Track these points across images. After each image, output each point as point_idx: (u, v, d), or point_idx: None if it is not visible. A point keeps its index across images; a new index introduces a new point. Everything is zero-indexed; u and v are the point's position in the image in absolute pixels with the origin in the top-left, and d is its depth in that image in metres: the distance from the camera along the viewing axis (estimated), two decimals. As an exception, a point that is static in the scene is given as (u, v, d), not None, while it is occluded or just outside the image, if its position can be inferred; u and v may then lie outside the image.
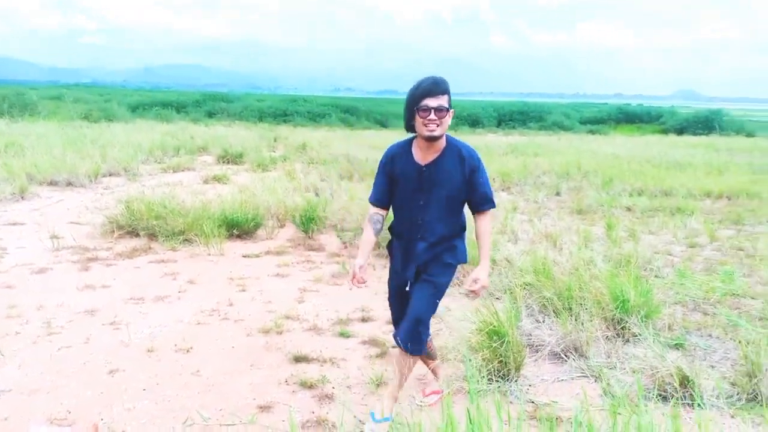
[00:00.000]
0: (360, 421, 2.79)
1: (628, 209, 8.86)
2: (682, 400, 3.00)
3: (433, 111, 2.59)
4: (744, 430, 2.80)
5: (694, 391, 3.00)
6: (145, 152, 13.35)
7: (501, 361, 3.24)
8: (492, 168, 12.00)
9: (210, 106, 36.39)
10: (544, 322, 3.98)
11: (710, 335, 4.00)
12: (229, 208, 6.68)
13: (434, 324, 4.14)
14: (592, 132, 31.13)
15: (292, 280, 5.15)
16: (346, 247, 6.21)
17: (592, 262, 5.19)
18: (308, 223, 6.50)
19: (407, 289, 2.84)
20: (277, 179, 10.04)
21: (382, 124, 32.59)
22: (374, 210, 2.86)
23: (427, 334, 2.81)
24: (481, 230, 2.78)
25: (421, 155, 2.73)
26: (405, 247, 2.81)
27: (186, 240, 6.16)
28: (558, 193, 10.29)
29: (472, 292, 2.70)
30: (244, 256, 5.89)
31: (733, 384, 3.18)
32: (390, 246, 2.98)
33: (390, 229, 2.92)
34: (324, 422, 2.81)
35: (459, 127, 31.38)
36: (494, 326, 3.33)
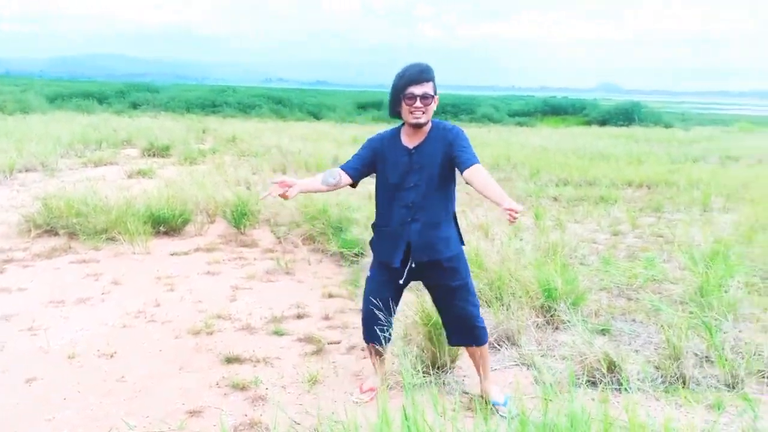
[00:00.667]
0: (295, 421, 2.73)
1: (555, 199, 9.14)
2: (610, 384, 3.10)
3: (418, 98, 2.67)
4: (668, 412, 2.92)
5: (620, 375, 3.11)
6: (64, 146, 12.62)
7: (437, 354, 3.26)
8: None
9: (134, 96, 34.84)
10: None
11: (634, 320, 4.17)
12: (155, 203, 6.40)
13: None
14: (520, 124, 31.94)
15: (224, 277, 5.00)
16: (280, 243, 6.09)
17: (521, 251, 5.31)
18: (240, 218, 6.33)
19: (401, 282, 2.89)
20: (207, 173, 9.72)
21: (316, 115, 32.21)
22: (340, 173, 2.88)
23: (481, 319, 2.97)
24: (483, 179, 2.57)
25: (409, 139, 2.82)
26: (394, 233, 2.83)
27: (109, 238, 5.86)
28: (489, 184, 10.49)
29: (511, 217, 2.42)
30: (171, 254, 5.66)
31: (657, 367, 3.33)
32: (372, 242, 2.99)
33: (373, 225, 2.98)
34: (257, 425, 2.73)
35: (394, 119, 31.43)
36: (430, 319, 3.35)
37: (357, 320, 4.08)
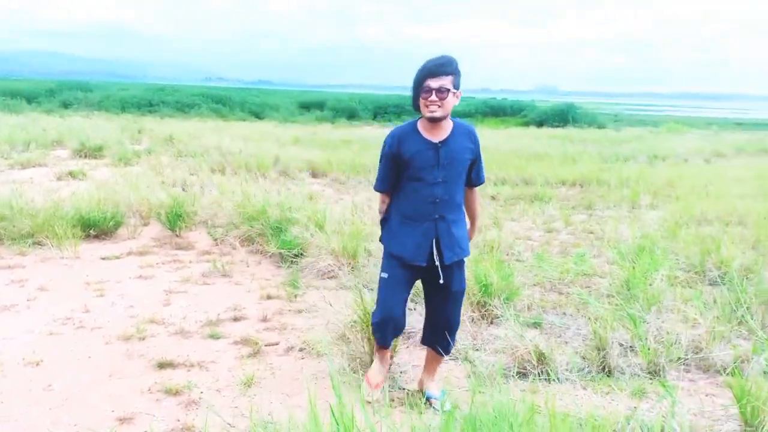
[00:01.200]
0: (229, 424, 2.69)
1: (493, 198, 9.35)
2: (539, 375, 3.21)
3: (434, 92, 2.63)
4: (594, 401, 3.05)
5: (549, 366, 3.22)
6: (-13, 147, 11.98)
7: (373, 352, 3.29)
8: (369, 160, 12.14)
9: (66, 95, 33.37)
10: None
11: (564, 313, 4.32)
12: (86, 206, 6.16)
13: (310, 319, 4.11)
14: (462, 124, 32.49)
15: (157, 281, 4.86)
16: (217, 245, 5.97)
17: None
18: (175, 220, 6.17)
19: (440, 281, 2.82)
20: (142, 174, 9.44)
21: (258, 115, 31.75)
22: (382, 197, 2.94)
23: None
24: (475, 201, 3.02)
25: (432, 134, 2.75)
26: (419, 229, 2.78)
27: (36, 243, 5.61)
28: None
29: None
30: (102, 259, 5.46)
31: (584, 358, 3.47)
32: (389, 231, 2.91)
33: (383, 221, 2.97)
34: (190, 429, 2.68)
35: (337, 119, 31.40)
36: (367, 317, 3.38)
37: (296, 321, 4.08)
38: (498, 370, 2.85)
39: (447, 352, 3.01)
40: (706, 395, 3.16)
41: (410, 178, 2.77)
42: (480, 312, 4.09)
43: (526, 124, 33.64)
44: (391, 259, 2.88)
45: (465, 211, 2.94)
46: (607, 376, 3.32)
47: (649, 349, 3.43)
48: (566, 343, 3.75)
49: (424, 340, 3.08)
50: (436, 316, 2.98)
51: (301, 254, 5.30)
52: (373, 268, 4.91)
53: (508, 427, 1.96)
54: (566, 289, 4.81)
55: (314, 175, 10.99)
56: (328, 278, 4.92)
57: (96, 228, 6.01)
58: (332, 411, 1.76)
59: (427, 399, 2.99)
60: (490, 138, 20.74)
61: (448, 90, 2.63)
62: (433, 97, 2.63)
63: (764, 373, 3.15)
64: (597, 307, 4.01)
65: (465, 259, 2.95)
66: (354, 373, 3.19)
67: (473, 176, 2.90)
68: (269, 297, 4.54)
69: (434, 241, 2.77)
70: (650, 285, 4.46)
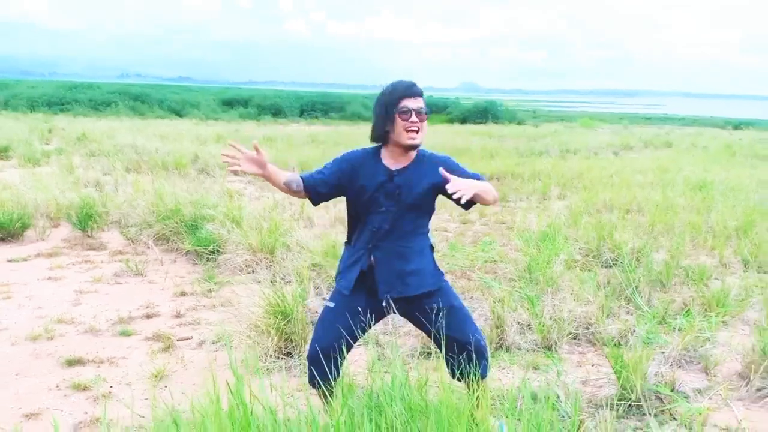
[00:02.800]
0: (139, 415, 2.73)
1: (415, 192, 9.60)
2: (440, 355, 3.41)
3: (413, 113, 2.37)
4: (493, 374, 3.28)
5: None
6: None
7: (288, 339, 3.40)
8: (293, 157, 12.15)
9: (-34, 93, 31.25)
10: (326, 298, 4.20)
11: (472, 297, 4.57)
12: (-12, 208, 5.90)
13: (225, 313, 4.15)
14: (389, 122, 32.88)
15: (67, 282, 4.74)
16: (131, 244, 5.86)
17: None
18: (86, 221, 6.00)
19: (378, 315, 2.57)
20: (52, 174, 9.06)
21: (178, 113, 30.85)
22: (296, 180, 2.50)
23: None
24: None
25: (392, 160, 2.46)
26: (353, 257, 2.52)
27: (-67, 247, 5.33)
28: (353, 180, 10.77)
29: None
30: (9, 261, 5.26)
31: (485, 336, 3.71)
32: (340, 261, 2.63)
33: (346, 245, 2.63)
34: (99, 421, 2.70)
35: (261, 116, 30.99)
36: (281, 307, 3.48)
37: (210, 315, 4.11)
38: (394, 352, 3.00)
39: (483, 374, 2.52)
40: (593, 365, 3.47)
41: (360, 205, 2.49)
42: (392, 299, 4.27)
43: (451, 121, 34.39)
44: (335, 289, 2.65)
45: (428, 242, 2.64)
46: (506, 351, 3.58)
47: (543, 326, 3.72)
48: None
49: (453, 375, 2.57)
50: (445, 342, 2.48)
51: (218, 251, 5.31)
52: (289, 263, 5.00)
53: (400, 398, 2.12)
54: (475, 276, 5.08)
55: (235, 173, 10.87)
56: (245, 273, 4.96)
57: (2, 230, 5.77)
58: (229, 388, 1.85)
59: None
60: (415, 134, 21.14)
61: (428, 111, 2.45)
62: (414, 119, 2.36)
63: (645, 343, 3.49)
64: (499, 290, 4.28)
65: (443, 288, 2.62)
66: (276, 360, 3.28)
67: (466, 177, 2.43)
68: (183, 294, 4.54)
69: (364, 272, 2.50)
70: (550, 269, 4.79)
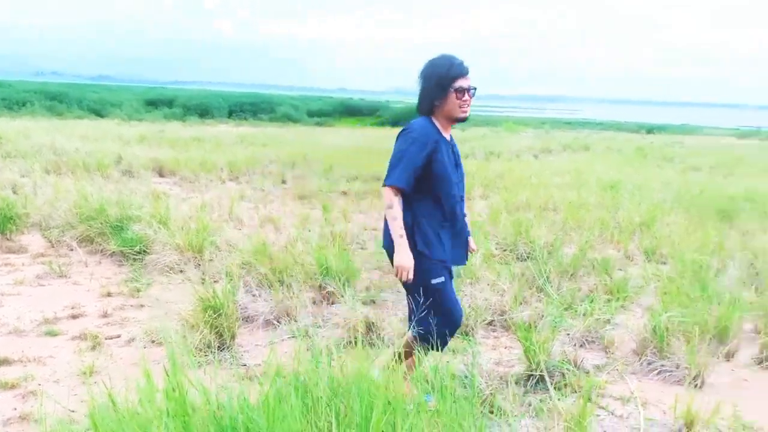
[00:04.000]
0: (69, 410, 2.76)
1: (345, 193, 9.78)
2: (370, 343, 3.60)
3: (467, 92, 2.60)
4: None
5: (376, 335, 3.63)
6: None
7: (218, 333, 3.49)
8: (221, 158, 12.04)
9: None
10: (260, 295, 4.32)
11: (398, 291, 4.79)
12: None
13: (153, 311, 4.18)
14: (319, 124, 32.92)
15: (-14, 285, 4.61)
16: (53, 246, 5.72)
17: (307, 240, 5.73)
18: (5, 224, 5.80)
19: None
20: (-38, 177, 8.61)
21: (98, 113, 29.65)
22: (398, 198, 2.57)
23: None
24: None
25: (446, 133, 2.71)
26: (456, 231, 2.78)
27: None
28: (284, 181, 10.81)
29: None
30: None
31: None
32: (426, 238, 2.67)
33: (430, 218, 2.67)
34: (28, 417, 2.71)
35: (187, 117, 30.24)
36: (211, 303, 3.57)
37: (138, 314, 4.13)
38: (334, 342, 3.17)
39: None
40: (506, 348, 3.77)
41: (442, 179, 2.64)
42: (322, 294, 4.43)
43: (382, 123, 34.83)
44: (436, 264, 2.71)
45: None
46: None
47: (464, 314, 3.98)
48: (396, 315, 4.21)
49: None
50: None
51: (145, 251, 5.29)
52: (219, 262, 5.05)
53: (322, 382, 2.28)
54: (402, 271, 5.31)
55: (161, 174, 10.71)
56: (173, 273, 4.97)
57: None
58: (165, 372, 1.96)
59: None
60: (345, 137, 21.37)
61: (476, 89, 2.65)
62: (466, 97, 2.60)
63: (552, 326, 3.81)
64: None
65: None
66: (206, 354, 3.36)
67: None
68: (110, 294, 4.52)
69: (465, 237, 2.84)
70: (470, 262, 5.08)
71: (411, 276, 2.58)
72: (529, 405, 2.97)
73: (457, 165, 2.77)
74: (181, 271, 5.00)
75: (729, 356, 3.70)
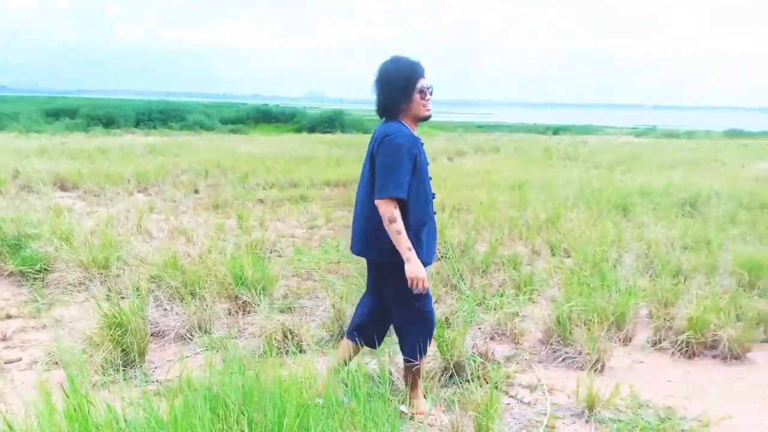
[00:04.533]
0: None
1: (261, 201, 9.64)
2: (286, 350, 3.59)
3: (427, 91, 2.69)
4: (329, 362, 3.52)
5: (292, 342, 3.63)
6: None
7: (125, 351, 3.36)
8: (129, 169, 11.56)
9: None
10: (171, 309, 4.19)
11: (317, 296, 4.81)
12: None
13: (56, 332, 3.96)
14: (233, 131, 32.17)
15: None
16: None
17: (222, 251, 5.61)
18: None
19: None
20: None
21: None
22: (397, 211, 2.56)
23: None
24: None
25: (415, 133, 2.76)
26: (433, 229, 2.82)
27: None
28: (196, 191, 10.52)
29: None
30: None
31: (326, 329, 3.95)
32: (417, 241, 2.70)
33: (415, 220, 2.69)
34: None
35: (91, 127, 28.71)
36: (117, 319, 3.43)
37: (40, 336, 3.91)
38: (250, 351, 3.14)
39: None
40: (422, 346, 3.85)
41: (424, 181, 2.72)
42: (237, 304, 4.35)
43: (299, 130, 34.57)
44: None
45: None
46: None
47: (380, 316, 4.04)
48: (314, 320, 4.21)
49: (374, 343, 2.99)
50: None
51: (46, 270, 5.00)
52: (126, 277, 4.85)
53: (236, 387, 2.27)
54: (320, 277, 5.32)
55: (64, 188, 10.14)
56: (77, 291, 4.73)
57: None
58: (63, 389, 1.88)
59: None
60: (261, 144, 21.03)
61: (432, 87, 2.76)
62: (429, 96, 2.72)
63: (465, 322, 3.94)
64: (340, 286, 4.56)
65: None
66: (114, 372, 3.22)
67: None
68: (9, 317, 4.24)
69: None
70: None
71: (426, 285, 2.63)
72: (443, 398, 3.07)
73: (428, 162, 2.87)
74: (86, 289, 4.77)
75: (626, 340, 3.98)
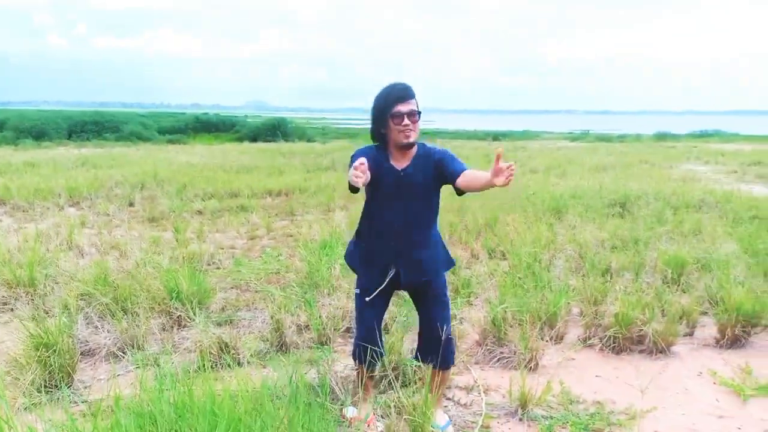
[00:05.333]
0: None
1: (199, 212, 9.45)
2: (223, 365, 3.54)
3: (406, 116, 2.58)
4: (272, 374, 3.49)
5: (228, 355, 3.57)
6: None
7: (51, 372, 3.23)
8: (59, 183, 11.11)
9: None
10: (102, 326, 4.05)
11: (256, 308, 4.75)
12: None
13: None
14: (171, 141, 31.37)
15: None
16: None
17: (158, 264, 5.46)
18: None
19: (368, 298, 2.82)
20: None
21: None
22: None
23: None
24: (470, 176, 2.57)
25: (397, 161, 2.70)
26: (380, 254, 2.78)
27: None
28: (131, 204, 10.20)
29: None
30: None
31: (265, 341, 3.91)
32: (359, 248, 2.89)
33: (365, 230, 2.85)
34: None
35: (20, 140, 27.40)
36: (44, 340, 3.29)
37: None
38: (184, 366, 3.07)
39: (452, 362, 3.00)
40: (362, 353, 3.87)
41: (375, 199, 2.76)
42: (172, 319, 4.25)
43: (240, 139, 34.06)
44: (364, 279, 2.89)
45: (436, 231, 2.91)
46: (285, 353, 3.82)
47: (321, 325, 4.04)
48: (252, 332, 4.16)
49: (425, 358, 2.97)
50: (429, 327, 2.92)
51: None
52: (55, 295, 4.66)
53: (168, 402, 2.23)
54: (261, 288, 5.25)
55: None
56: (1, 312, 4.51)
57: None
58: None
59: (433, 428, 2.85)
60: (200, 154, 20.59)
61: (420, 112, 2.65)
62: (407, 122, 2.59)
63: (404, 326, 3.98)
64: (280, 297, 4.52)
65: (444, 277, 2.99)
66: (40, 393, 3.09)
67: (452, 171, 2.66)
68: None
69: (393, 264, 2.78)
70: (329, 273, 5.17)
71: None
72: (380, 404, 3.09)
73: (404, 194, 2.71)
74: (11, 309, 4.56)
75: (558, 339, 4.12)
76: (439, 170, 2.70)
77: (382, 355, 2.88)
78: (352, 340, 4.09)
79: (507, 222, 7.52)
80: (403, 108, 2.60)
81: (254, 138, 34.10)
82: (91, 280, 4.62)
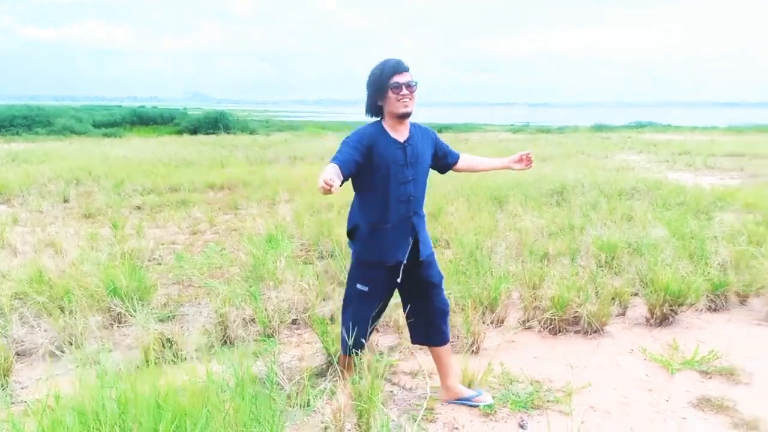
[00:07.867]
0: None
1: (138, 208, 9.20)
2: (167, 360, 3.49)
3: (404, 86, 2.67)
4: (216, 369, 3.47)
5: (171, 350, 3.53)
6: None
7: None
8: (-12, 181, 10.57)
9: None
10: (39, 326, 3.92)
11: (200, 303, 4.70)
12: None
13: None
14: (107, 135, 30.23)
15: None
16: None
17: (96, 261, 5.31)
18: None
19: (398, 280, 2.86)
20: None
21: None
22: (334, 170, 2.48)
23: None
24: (475, 159, 3.27)
25: (397, 133, 2.78)
26: (396, 229, 2.79)
27: None
28: (66, 200, 9.82)
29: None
30: None
31: (210, 335, 3.88)
32: (361, 240, 2.85)
33: (355, 228, 2.86)
34: None
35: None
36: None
37: None
38: (126, 364, 3.01)
39: (448, 338, 3.11)
40: (308, 343, 3.91)
41: (382, 179, 2.74)
42: (112, 316, 4.15)
43: (180, 132, 33.19)
44: (368, 270, 2.87)
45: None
46: (230, 346, 3.80)
47: (266, 317, 4.04)
48: (196, 327, 4.12)
49: (420, 340, 3.14)
50: (424, 312, 3.03)
51: None
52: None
53: (109, 404, 2.20)
54: (201, 282, 5.19)
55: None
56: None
57: None
58: None
59: (469, 400, 3.12)
60: (138, 148, 19.95)
61: (416, 83, 2.73)
62: (405, 92, 2.69)
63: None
64: (223, 291, 4.48)
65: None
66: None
67: (448, 153, 3.10)
68: None
69: (412, 237, 2.86)
70: (274, 266, 5.15)
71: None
72: (327, 390, 3.13)
73: (412, 163, 2.80)
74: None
75: (499, 322, 4.27)
76: (436, 148, 2.99)
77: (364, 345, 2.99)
78: (298, 331, 4.13)
79: (450, 212, 7.67)
80: (400, 79, 2.70)
81: (195, 131, 33.28)
82: (25, 279, 4.45)
